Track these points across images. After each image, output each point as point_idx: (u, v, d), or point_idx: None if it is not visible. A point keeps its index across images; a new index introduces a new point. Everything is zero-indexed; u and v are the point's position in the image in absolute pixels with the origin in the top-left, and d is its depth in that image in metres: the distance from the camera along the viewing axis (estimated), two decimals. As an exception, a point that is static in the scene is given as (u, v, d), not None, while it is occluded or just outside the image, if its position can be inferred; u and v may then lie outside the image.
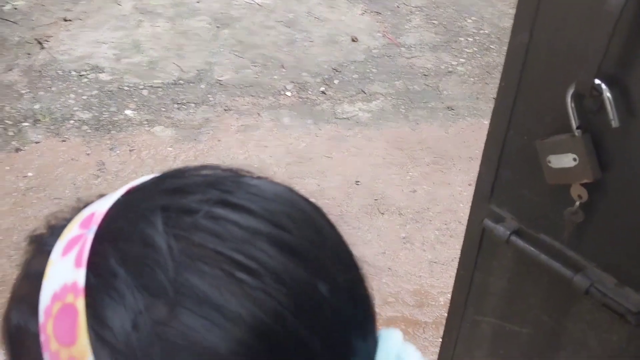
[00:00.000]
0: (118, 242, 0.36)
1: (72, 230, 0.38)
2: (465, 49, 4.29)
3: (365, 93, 3.78)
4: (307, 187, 3.01)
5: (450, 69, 4.07)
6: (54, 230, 0.40)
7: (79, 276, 0.35)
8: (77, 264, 0.35)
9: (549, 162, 0.85)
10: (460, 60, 4.17)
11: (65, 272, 0.36)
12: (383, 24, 4.48)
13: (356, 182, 3.10)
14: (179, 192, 0.38)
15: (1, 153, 3.11)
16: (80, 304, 0.34)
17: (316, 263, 0.38)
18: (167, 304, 0.33)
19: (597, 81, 0.77)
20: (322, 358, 0.36)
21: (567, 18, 0.77)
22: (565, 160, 0.82)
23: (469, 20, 4.62)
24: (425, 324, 2.45)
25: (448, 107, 3.73)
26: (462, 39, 4.40)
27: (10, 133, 3.24)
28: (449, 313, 1.22)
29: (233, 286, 0.34)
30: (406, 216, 2.95)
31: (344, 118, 3.56)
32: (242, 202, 0.38)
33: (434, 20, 4.59)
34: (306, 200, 0.42)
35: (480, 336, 1.16)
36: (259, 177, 0.42)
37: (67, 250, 0.37)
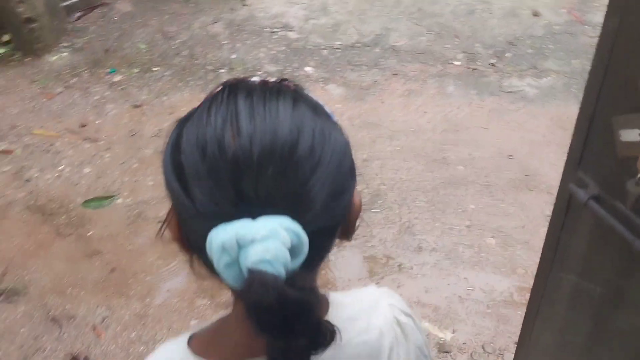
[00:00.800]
0: (221, 95, 0.64)
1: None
2: (660, 32, 4.00)
3: (536, 69, 3.74)
4: (459, 154, 3.14)
5: (637, 52, 3.84)
6: None
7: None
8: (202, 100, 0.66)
9: (620, 135, 0.96)
10: (652, 43, 3.91)
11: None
12: (570, 0, 4.32)
13: (509, 155, 3.16)
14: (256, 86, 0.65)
15: (202, 93, 3.67)
16: None
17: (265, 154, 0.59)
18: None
19: (666, 66, 0.87)
20: None
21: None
22: (632, 135, 0.93)
23: (672, 1, 4.27)
24: (552, 299, 2.51)
25: (626, 92, 3.56)
26: (658, 20, 4.10)
27: (210, 77, 3.79)
28: (538, 269, 1.35)
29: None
30: (555, 195, 2.95)
31: (510, 92, 3.58)
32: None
33: None
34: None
35: (562, 292, 1.28)
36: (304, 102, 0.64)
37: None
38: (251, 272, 0.54)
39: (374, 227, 2.77)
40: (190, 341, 0.73)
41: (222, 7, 4.45)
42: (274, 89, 0.64)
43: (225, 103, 0.62)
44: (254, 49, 4.05)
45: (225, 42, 4.11)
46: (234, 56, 3.97)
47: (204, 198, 0.59)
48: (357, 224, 0.72)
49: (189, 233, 0.63)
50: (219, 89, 0.65)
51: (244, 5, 4.48)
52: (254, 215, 0.57)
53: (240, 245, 0.55)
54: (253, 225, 0.56)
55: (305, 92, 0.69)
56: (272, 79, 0.69)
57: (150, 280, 2.54)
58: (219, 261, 0.56)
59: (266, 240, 0.55)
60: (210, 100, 0.64)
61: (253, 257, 0.55)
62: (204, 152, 0.59)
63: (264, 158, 0.58)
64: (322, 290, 0.77)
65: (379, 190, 2.95)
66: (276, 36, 4.16)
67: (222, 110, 0.61)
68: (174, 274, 2.55)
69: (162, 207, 2.86)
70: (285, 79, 0.69)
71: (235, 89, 0.64)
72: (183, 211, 0.62)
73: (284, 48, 4.04)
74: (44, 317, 2.40)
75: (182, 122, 0.64)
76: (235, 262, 0.56)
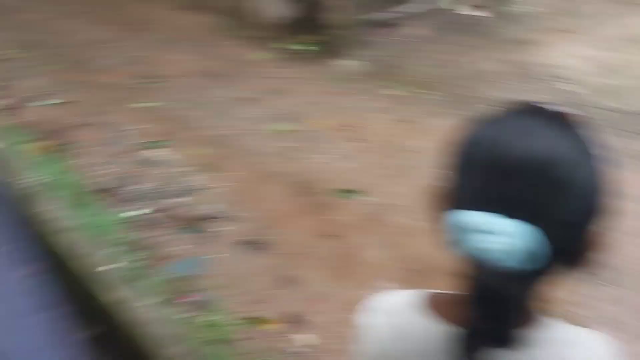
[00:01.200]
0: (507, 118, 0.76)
1: None
2: None
3: None
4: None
5: None
6: None
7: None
8: None
9: None
10: None
11: None
12: None
13: None
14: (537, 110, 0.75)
15: (464, 124, 3.82)
16: None
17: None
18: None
19: None
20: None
21: None
22: None
23: None
24: None
25: None
26: None
27: (475, 110, 3.91)
28: None
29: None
30: None
31: None
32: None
33: None
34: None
35: None
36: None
37: None
38: (476, 256, 0.68)
39: (597, 299, 2.65)
40: (425, 296, 0.85)
41: (511, 48, 4.50)
42: (561, 120, 0.73)
43: (512, 117, 0.74)
44: (513, 91, 4.03)
45: (501, 81, 4.19)
46: (504, 96, 4.03)
47: (462, 185, 0.73)
48: (592, 261, 0.77)
49: (442, 205, 0.76)
50: (517, 105, 0.76)
51: (527, 49, 4.50)
52: (494, 211, 0.68)
53: (473, 231, 0.68)
54: (491, 219, 0.67)
55: (589, 131, 0.74)
56: (567, 111, 0.75)
57: (378, 274, 2.70)
58: (451, 236, 0.71)
59: (497, 235, 0.67)
60: (506, 112, 0.76)
61: (481, 244, 0.67)
62: (477, 149, 0.72)
63: (520, 170, 0.68)
64: (538, 311, 0.80)
65: (617, 265, 2.79)
66: (544, 85, 4.10)
67: (508, 122, 0.74)
68: (388, 275, 2.72)
69: (402, 215, 3.03)
70: (578, 116, 0.75)
71: (528, 109, 0.75)
72: (445, 188, 0.75)
73: (547, 97, 3.97)
74: (275, 274, 2.75)
75: (482, 121, 0.77)
76: (461, 242, 0.69)
